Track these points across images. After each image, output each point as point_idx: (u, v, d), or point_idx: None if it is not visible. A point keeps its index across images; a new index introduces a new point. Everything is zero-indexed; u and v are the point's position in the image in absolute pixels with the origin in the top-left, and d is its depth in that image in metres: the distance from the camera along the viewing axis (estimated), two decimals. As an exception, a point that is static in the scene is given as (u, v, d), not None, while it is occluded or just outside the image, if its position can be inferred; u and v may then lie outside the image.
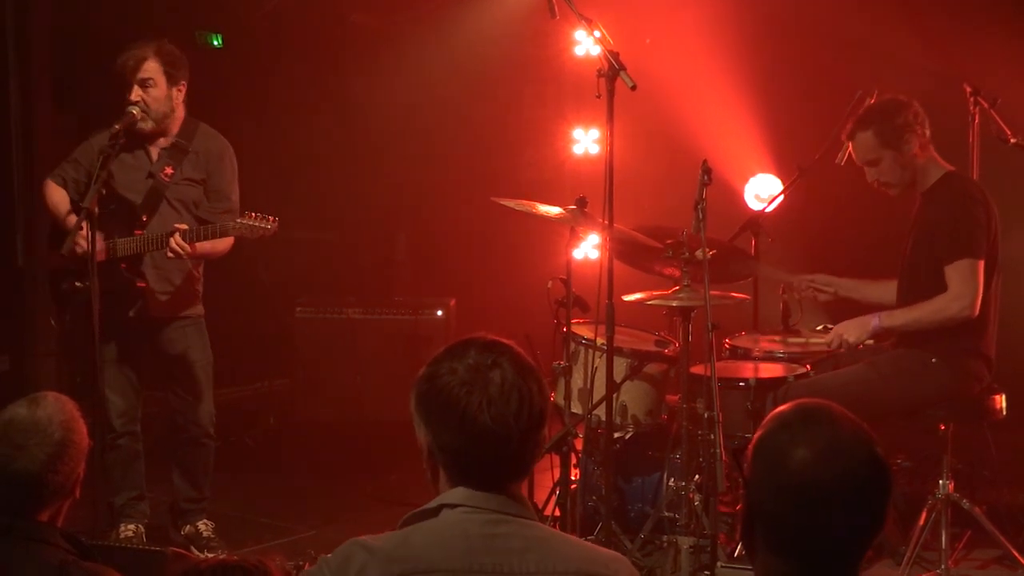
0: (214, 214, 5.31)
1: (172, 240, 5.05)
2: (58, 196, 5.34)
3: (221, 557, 2.35)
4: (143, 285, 5.25)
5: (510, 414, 2.25)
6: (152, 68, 5.17)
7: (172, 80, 5.23)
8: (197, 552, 5.26)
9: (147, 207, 5.25)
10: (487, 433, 2.24)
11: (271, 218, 5.11)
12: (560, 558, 2.27)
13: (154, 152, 5.31)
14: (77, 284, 5.19)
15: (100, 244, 5.00)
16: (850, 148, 5.07)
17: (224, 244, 5.27)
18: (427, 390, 2.30)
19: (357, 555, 2.23)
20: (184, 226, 5.12)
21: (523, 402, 2.26)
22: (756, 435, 2.11)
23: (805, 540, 2.02)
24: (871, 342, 4.93)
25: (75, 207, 5.24)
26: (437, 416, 2.29)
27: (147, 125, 5.19)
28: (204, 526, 5.48)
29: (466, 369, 2.27)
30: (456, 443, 2.27)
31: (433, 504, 2.30)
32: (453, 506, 2.28)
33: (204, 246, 5.15)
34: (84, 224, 4.86)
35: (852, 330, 4.90)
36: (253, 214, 5.09)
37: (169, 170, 5.26)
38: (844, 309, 5.47)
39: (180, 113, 5.32)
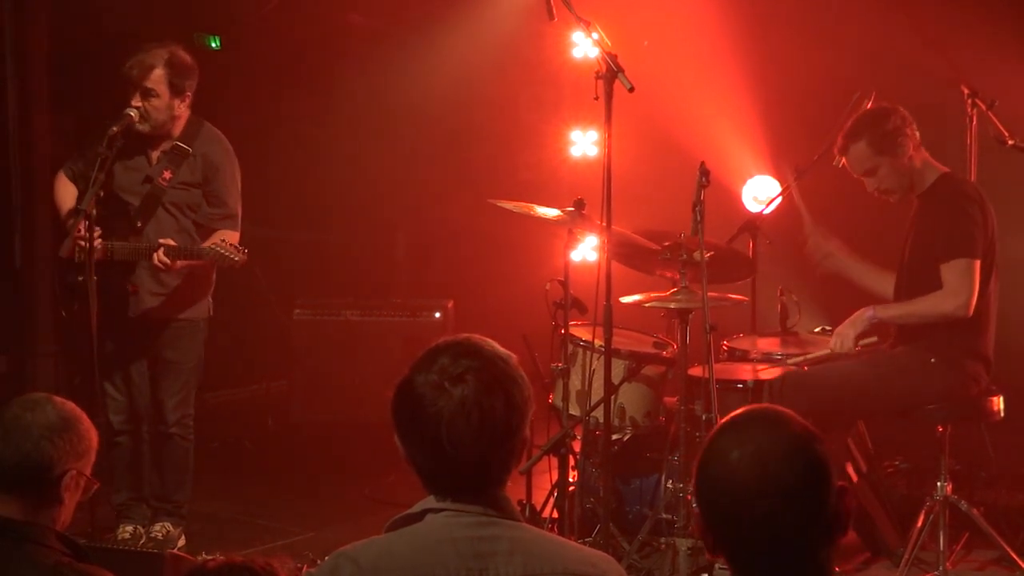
0: (212, 220, 5.30)
1: (156, 256, 5.07)
2: (63, 190, 5.30)
3: (225, 558, 2.34)
4: (134, 289, 5.25)
5: (468, 434, 2.21)
6: (157, 78, 5.11)
7: (176, 91, 5.15)
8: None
9: (144, 212, 5.23)
10: (444, 453, 2.22)
11: (242, 249, 5.10)
12: (547, 559, 2.26)
13: (154, 155, 5.27)
14: (80, 279, 5.19)
15: (99, 243, 5.02)
16: (844, 162, 5.06)
17: (231, 237, 5.24)
18: (396, 402, 2.31)
19: (344, 568, 2.21)
20: (170, 241, 5.12)
21: (484, 419, 2.21)
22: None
23: (743, 543, 1.99)
24: (875, 339, 4.92)
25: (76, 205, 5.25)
26: (403, 429, 2.29)
27: (144, 128, 5.15)
28: (161, 528, 5.39)
29: (428, 384, 2.24)
30: (419, 458, 2.27)
31: (417, 508, 2.29)
32: (438, 510, 2.27)
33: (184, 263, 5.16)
34: (82, 226, 4.87)
35: (849, 327, 4.90)
36: (227, 243, 5.08)
37: (168, 174, 5.22)
38: (844, 308, 5.47)
39: (183, 116, 5.26)
